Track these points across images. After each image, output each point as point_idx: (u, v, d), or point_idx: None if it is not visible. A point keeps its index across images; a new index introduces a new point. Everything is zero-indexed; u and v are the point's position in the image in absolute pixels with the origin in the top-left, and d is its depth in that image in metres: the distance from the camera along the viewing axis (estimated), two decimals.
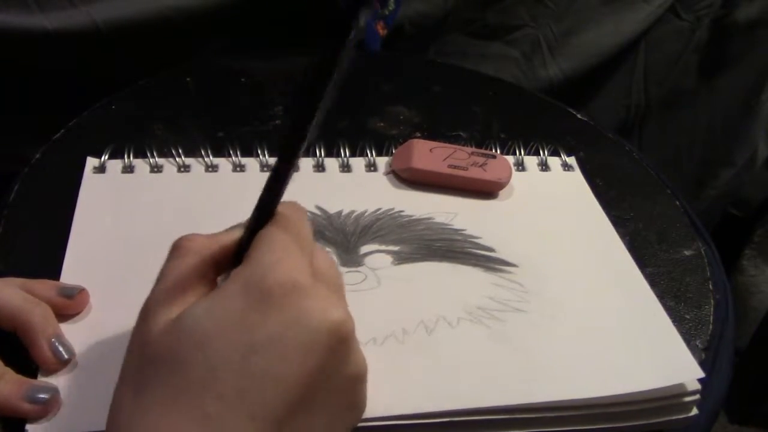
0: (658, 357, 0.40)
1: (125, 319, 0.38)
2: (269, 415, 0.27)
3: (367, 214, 0.48)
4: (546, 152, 0.56)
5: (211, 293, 0.30)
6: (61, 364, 0.36)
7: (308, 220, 0.33)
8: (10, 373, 0.35)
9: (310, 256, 0.31)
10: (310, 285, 0.29)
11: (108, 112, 0.57)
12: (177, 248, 0.32)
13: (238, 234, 0.33)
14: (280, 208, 0.32)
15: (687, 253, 0.50)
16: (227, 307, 0.28)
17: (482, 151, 0.53)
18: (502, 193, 0.52)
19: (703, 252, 0.50)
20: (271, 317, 0.28)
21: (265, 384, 0.27)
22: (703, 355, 0.42)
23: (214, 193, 0.49)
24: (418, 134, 0.58)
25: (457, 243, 0.47)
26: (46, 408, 0.34)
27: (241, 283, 0.29)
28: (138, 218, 0.46)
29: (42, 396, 0.34)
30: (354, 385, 0.31)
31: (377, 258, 0.45)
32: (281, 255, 0.30)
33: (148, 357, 0.29)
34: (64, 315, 0.38)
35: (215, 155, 0.51)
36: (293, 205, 0.33)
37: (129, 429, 0.28)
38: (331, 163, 0.53)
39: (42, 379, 0.35)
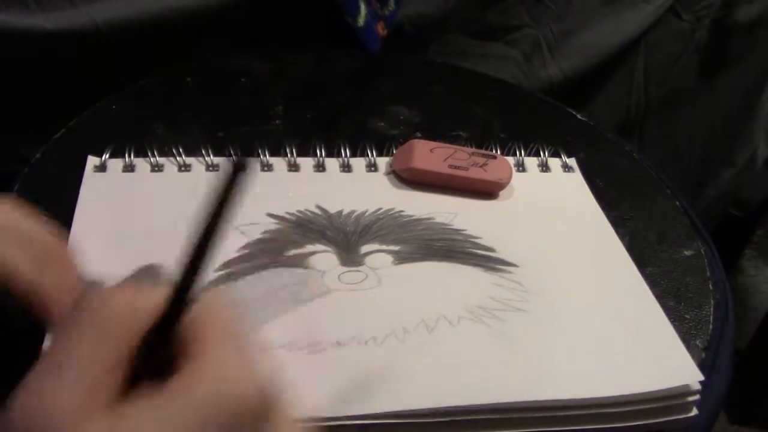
0: (657, 359, 0.40)
1: None
2: None
3: (367, 214, 0.48)
4: (546, 153, 0.56)
5: (150, 413, 0.22)
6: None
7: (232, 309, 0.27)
8: None
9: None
10: (268, 408, 0.24)
11: (108, 112, 0.57)
12: (95, 317, 0.24)
13: (158, 300, 0.25)
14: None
15: (687, 253, 0.50)
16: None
17: (482, 151, 0.53)
18: (502, 193, 0.52)
19: (703, 252, 0.50)
20: None
21: None
22: (703, 355, 0.42)
23: None
24: (419, 134, 0.58)
25: (458, 243, 0.47)
26: None
27: (196, 408, 0.23)
28: (138, 217, 0.46)
29: None
30: None
31: (378, 257, 0.45)
32: (232, 370, 0.24)
33: None
34: None
35: (215, 155, 0.51)
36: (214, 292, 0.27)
37: None
38: (332, 163, 0.53)
39: None
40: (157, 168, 0.50)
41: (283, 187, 0.50)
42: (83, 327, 0.24)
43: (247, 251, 0.44)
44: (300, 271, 0.43)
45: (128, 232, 0.45)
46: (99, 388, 0.22)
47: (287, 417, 0.25)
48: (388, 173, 0.53)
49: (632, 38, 0.91)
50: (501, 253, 0.46)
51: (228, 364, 0.24)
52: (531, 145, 0.57)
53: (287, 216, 0.47)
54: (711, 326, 0.44)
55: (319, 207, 0.48)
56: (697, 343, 0.43)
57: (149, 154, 0.50)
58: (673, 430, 0.39)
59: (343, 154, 0.53)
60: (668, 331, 0.42)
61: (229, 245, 0.44)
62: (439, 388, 0.36)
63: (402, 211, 0.49)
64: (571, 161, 0.56)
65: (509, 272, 0.45)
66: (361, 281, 0.43)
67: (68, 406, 0.22)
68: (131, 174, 0.50)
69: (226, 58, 0.66)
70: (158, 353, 0.24)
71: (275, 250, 0.44)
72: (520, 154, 0.56)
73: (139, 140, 0.52)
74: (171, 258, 0.45)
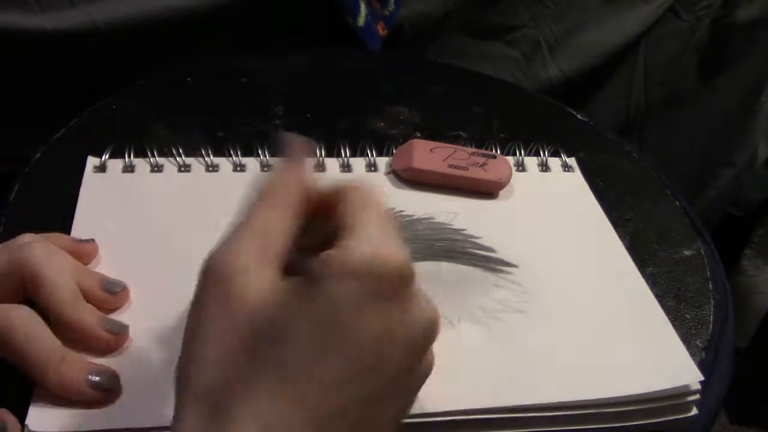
0: (657, 359, 0.40)
1: (126, 319, 0.38)
2: (362, 407, 0.27)
3: None
4: (546, 153, 0.56)
5: (316, 273, 0.27)
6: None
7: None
8: (71, 354, 0.35)
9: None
10: (413, 278, 0.29)
11: (108, 112, 0.57)
12: (268, 193, 0.30)
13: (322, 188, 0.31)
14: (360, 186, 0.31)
15: (687, 253, 0.50)
16: (339, 289, 0.27)
17: (482, 151, 0.53)
18: (502, 193, 0.52)
19: (703, 252, 0.50)
20: (384, 310, 0.28)
21: (366, 377, 0.27)
22: (703, 355, 0.42)
23: (214, 193, 0.49)
24: (418, 134, 0.58)
25: (458, 243, 0.47)
26: (108, 396, 0.34)
27: (352, 269, 0.27)
28: (138, 218, 0.46)
29: (106, 382, 0.34)
30: (422, 382, 0.32)
31: None
32: (384, 241, 0.29)
33: (248, 328, 0.26)
34: (103, 309, 0.38)
35: (215, 155, 0.51)
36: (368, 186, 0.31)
37: (227, 407, 0.26)
38: (332, 163, 0.53)
39: (103, 364, 0.35)
40: (156, 168, 0.50)
41: None
42: (262, 195, 0.30)
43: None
44: None
45: (128, 233, 0.45)
46: (268, 245, 0.28)
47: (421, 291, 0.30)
48: (388, 173, 0.53)
49: (632, 38, 0.91)
50: (501, 254, 0.46)
51: (377, 240, 0.28)
52: (531, 145, 0.57)
53: None
54: (711, 326, 0.44)
55: None
56: (697, 343, 0.43)
57: (149, 154, 0.50)
58: (673, 430, 0.39)
59: (343, 154, 0.53)
60: (668, 331, 0.42)
61: None
62: (438, 391, 0.36)
63: (402, 211, 0.49)
64: (571, 161, 0.56)
65: (509, 273, 0.45)
66: None
67: (240, 254, 0.27)
68: (131, 174, 0.50)
69: (226, 58, 0.66)
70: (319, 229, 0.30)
71: None
72: (520, 154, 0.56)
73: (138, 140, 0.52)
74: (170, 258, 0.46)
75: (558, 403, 0.37)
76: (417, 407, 0.35)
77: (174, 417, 0.27)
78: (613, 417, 0.38)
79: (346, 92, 0.65)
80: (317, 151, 0.52)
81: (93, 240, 0.42)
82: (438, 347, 0.39)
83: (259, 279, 0.27)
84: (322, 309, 0.27)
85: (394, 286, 0.28)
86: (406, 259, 0.29)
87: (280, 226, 0.29)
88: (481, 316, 0.41)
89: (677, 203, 0.55)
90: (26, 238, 0.38)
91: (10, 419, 0.33)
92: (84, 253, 0.41)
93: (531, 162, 0.55)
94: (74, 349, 0.35)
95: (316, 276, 0.27)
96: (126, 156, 0.50)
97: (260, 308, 0.27)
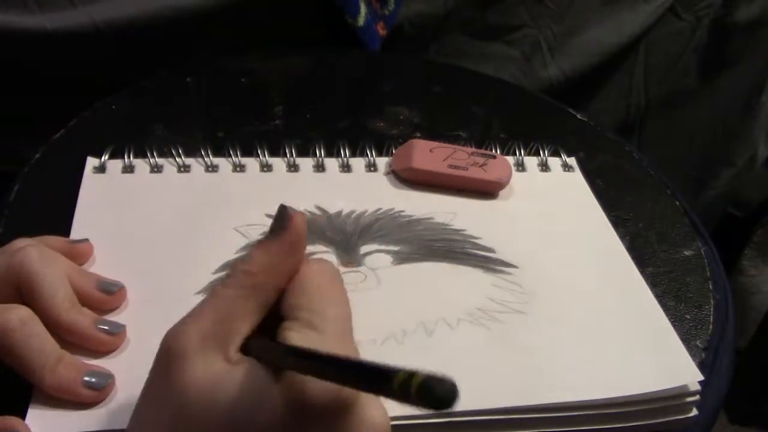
0: (657, 360, 0.40)
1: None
2: None
3: (367, 214, 0.48)
4: (546, 153, 0.56)
5: (251, 375, 0.27)
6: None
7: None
8: (68, 356, 0.35)
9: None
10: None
11: (108, 112, 0.57)
12: (238, 273, 0.29)
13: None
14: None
15: (687, 253, 0.50)
16: (270, 400, 0.26)
17: (482, 151, 0.53)
18: (502, 193, 0.52)
19: (703, 252, 0.50)
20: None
21: None
22: (703, 356, 0.42)
23: (214, 193, 0.49)
24: (418, 134, 0.58)
25: (457, 243, 0.47)
26: (102, 394, 0.34)
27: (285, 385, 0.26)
28: (138, 218, 0.46)
29: (100, 382, 0.34)
30: None
31: (377, 258, 0.45)
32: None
33: (181, 417, 0.27)
34: (101, 310, 0.38)
35: (215, 155, 0.51)
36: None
37: None
38: (331, 163, 0.53)
39: (99, 364, 0.35)
40: (156, 169, 0.50)
41: (283, 188, 0.50)
42: (233, 273, 0.29)
43: (246, 252, 0.44)
44: None
45: (128, 234, 0.45)
46: (214, 332, 0.28)
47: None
48: (387, 173, 0.53)
49: (632, 38, 0.91)
50: (500, 254, 0.46)
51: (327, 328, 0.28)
52: (531, 145, 0.57)
53: None
54: (711, 326, 0.44)
55: (318, 207, 0.48)
56: (697, 343, 0.43)
57: (149, 154, 0.50)
58: (672, 430, 0.39)
59: (343, 154, 0.53)
60: (668, 331, 0.42)
61: (229, 246, 0.44)
62: None
63: (402, 211, 0.49)
64: (571, 160, 0.56)
65: (509, 273, 0.45)
66: (361, 282, 0.43)
67: (186, 338, 0.27)
68: (131, 175, 0.50)
69: (226, 58, 0.66)
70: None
71: None
72: (520, 154, 0.56)
73: (138, 141, 0.52)
74: (170, 259, 0.46)
75: (557, 404, 0.37)
76: (415, 410, 0.35)
77: None
78: (613, 418, 0.38)
79: (346, 92, 0.65)
80: (317, 151, 0.53)
81: (87, 240, 0.42)
82: (438, 348, 0.39)
83: (198, 365, 0.27)
84: (237, 410, 0.26)
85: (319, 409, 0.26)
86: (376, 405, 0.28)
87: (241, 309, 0.29)
88: (480, 317, 0.41)
89: (677, 203, 0.55)
90: (21, 242, 0.37)
91: (18, 424, 0.33)
92: (78, 253, 0.41)
93: (531, 162, 0.55)
94: (72, 351, 0.35)
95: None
96: (126, 156, 0.50)
97: (191, 396, 0.26)
